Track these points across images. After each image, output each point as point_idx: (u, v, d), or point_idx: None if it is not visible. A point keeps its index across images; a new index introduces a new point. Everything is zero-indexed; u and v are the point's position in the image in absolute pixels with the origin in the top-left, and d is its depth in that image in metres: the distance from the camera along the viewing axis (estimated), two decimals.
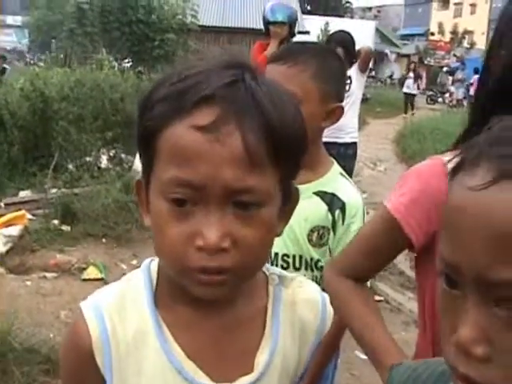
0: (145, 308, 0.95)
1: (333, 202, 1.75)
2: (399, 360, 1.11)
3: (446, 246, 0.64)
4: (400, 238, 1.33)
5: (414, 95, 22.95)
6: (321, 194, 1.76)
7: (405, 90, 22.87)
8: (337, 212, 1.75)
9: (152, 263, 1.01)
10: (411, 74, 23.42)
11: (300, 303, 1.04)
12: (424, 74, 31.08)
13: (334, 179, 1.79)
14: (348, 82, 5.28)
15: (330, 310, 1.09)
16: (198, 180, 0.80)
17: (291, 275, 1.08)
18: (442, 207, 0.67)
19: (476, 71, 24.28)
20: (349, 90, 5.34)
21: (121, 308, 0.96)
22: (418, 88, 24.60)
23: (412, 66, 25.37)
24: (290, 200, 0.93)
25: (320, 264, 1.78)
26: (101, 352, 0.93)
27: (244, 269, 0.85)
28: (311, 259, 1.78)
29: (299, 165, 0.92)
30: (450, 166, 1.26)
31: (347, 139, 5.40)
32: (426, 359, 0.94)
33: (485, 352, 0.60)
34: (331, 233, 1.77)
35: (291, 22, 4.97)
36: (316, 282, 1.77)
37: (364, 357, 4.32)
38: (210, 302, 0.91)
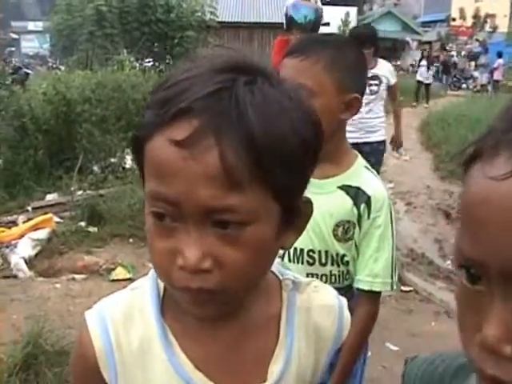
0: (151, 317, 0.91)
1: (358, 195, 1.73)
2: None
3: (466, 240, 0.60)
4: None
5: (428, 85, 21.23)
6: (345, 188, 1.74)
7: (418, 77, 21.45)
8: (362, 206, 1.73)
9: None
10: (424, 62, 21.87)
11: (316, 309, 1.00)
12: (441, 60, 29.67)
13: (358, 173, 1.77)
14: (376, 82, 5.21)
15: (347, 314, 1.04)
16: (173, 197, 0.76)
17: (306, 280, 1.03)
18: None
19: (499, 55, 24.01)
20: (377, 92, 5.25)
21: (126, 317, 0.92)
22: (435, 77, 23.65)
23: (425, 52, 24.19)
24: (295, 214, 0.85)
25: (346, 259, 1.77)
26: (105, 363, 0.91)
27: (230, 290, 0.80)
28: (337, 254, 1.76)
29: (306, 177, 0.85)
30: None
31: (378, 138, 5.33)
32: (441, 352, 0.91)
33: None
34: (356, 227, 1.75)
35: (316, 21, 4.64)
36: (343, 278, 1.78)
37: (394, 348, 4.31)
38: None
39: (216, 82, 0.76)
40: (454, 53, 33.67)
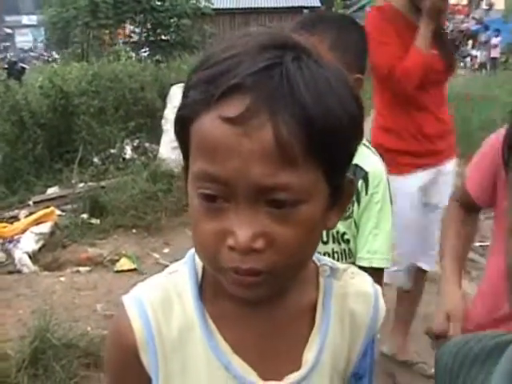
0: (190, 302, 0.90)
1: (355, 172, 1.71)
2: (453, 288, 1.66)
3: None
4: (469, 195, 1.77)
5: None
6: None
7: None
8: (360, 182, 1.73)
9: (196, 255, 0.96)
10: None
11: (352, 296, 0.98)
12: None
13: None
14: None
15: (382, 303, 1.02)
16: (226, 176, 0.74)
17: (343, 266, 1.01)
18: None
19: (497, 32, 23.87)
20: None
21: (165, 303, 0.91)
22: None
23: None
24: (342, 192, 0.85)
25: (346, 237, 1.77)
26: (146, 350, 0.89)
27: (281, 270, 0.79)
28: (337, 232, 1.75)
29: (352, 154, 0.83)
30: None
31: None
32: (476, 333, 0.89)
33: None
34: (355, 204, 1.74)
35: None
36: (345, 255, 1.78)
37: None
38: None
39: (265, 58, 0.74)
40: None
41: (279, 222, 0.76)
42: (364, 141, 1.80)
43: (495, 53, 23.92)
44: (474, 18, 38.90)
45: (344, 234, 1.76)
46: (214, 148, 0.74)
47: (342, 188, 0.84)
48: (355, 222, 1.76)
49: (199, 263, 0.93)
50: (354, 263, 1.77)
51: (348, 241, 1.77)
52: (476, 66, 26.17)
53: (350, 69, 1.66)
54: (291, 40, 0.79)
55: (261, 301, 0.87)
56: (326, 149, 0.76)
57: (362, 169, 1.73)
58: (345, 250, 1.78)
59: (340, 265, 1.01)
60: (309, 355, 0.92)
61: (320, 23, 1.71)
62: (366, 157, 1.77)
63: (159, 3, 20.44)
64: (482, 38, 26.94)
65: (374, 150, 1.85)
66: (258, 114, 0.72)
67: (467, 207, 1.86)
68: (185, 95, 0.80)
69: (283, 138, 0.72)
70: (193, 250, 0.95)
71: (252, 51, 0.76)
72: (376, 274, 1.75)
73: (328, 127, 0.75)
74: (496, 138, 1.64)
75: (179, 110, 0.81)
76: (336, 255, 1.77)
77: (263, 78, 0.73)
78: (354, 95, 0.82)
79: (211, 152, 0.75)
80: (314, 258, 0.96)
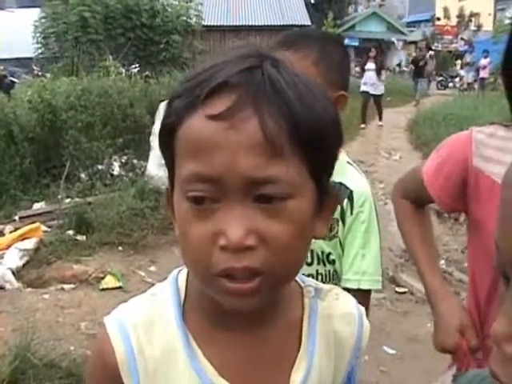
0: (173, 324, 0.89)
1: (340, 190, 1.69)
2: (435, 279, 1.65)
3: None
4: (429, 194, 1.63)
5: (378, 96, 15.48)
6: None
7: (363, 88, 15.20)
8: (345, 201, 1.71)
9: (180, 274, 0.95)
10: (371, 65, 15.21)
11: (337, 317, 0.98)
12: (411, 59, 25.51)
13: (341, 168, 1.71)
14: None
15: (366, 323, 1.02)
16: (215, 172, 0.75)
17: (327, 287, 1.01)
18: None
19: (486, 53, 24.07)
20: None
21: (147, 324, 0.90)
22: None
23: (372, 53, 15.55)
24: (327, 197, 0.86)
25: (332, 257, 1.74)
26: (127, 371, 0.88)
27: (277, 269, 0.78)
28: (322, 252, 1.73)
29: (334, 158, 0.85)
30: (475, 134, 1.51)
31: None
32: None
33: None
34: (340, 223, 1.72)
35: None
36: (329, 277, 1.75)
37: (392, 351, 4.26)
38: (242, 315, 0.85)
39: (246, 62, 0.78)
40: (434, 50, 32.92)
41: (269, 218, 0.77)
42: (349, 159, 1.80)
43: (484, 73, 24.10)
44: (462, 39, 39.33)
45: (329, 254, 1.73)
46: (202, 146, 0.75)
47: (327, 191, 0.86)
48: (340, 243, 1.73)
49: (182, 284, 0.93)
50: (338, 285, 1.73)
51: (333, 261, 1.74)
52: (465, 86, 26.36)
53: (334, 85, 1.67)
54: (267, 52, 0.83)
55: (247, 319, 0.87)
56: (310, 143, 0.77)
57: (346, 187, 1.70)
58: (329, 272, 1.74)
59: (324, 286, 1.01)
60: (296, 376, 0.91)
61: (302, 40, 1.70)
62: (351, 176, 1.74)
63: (150, 20, 20.48)
64: (468, 58, 27.15)
65: (358, 169, 1.83)
66: (244, 107, 0.74)
67: (418, 203, 1.78)
68: (169, 106, 0.82)
69: (269, 129, 0.74)
70: (176, 271, 0.95)
71: (232, 59, 0.79)
72: (363, 295, 1.71)
73: (311, 122, 0.77)
74: (458, 140, 1.59)
75: (164, 119, 0.82)
76: (320, 277, 1.73)
77: (246, 77, 0.76)
78: (331, 101, 0.86)
79: (200, 151, 0.76)
80: (297, 279, 0.95)
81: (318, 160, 0.80)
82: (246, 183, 0.75)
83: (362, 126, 15.17)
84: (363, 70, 15.76)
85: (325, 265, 1.74)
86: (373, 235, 1.74)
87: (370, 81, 15.22)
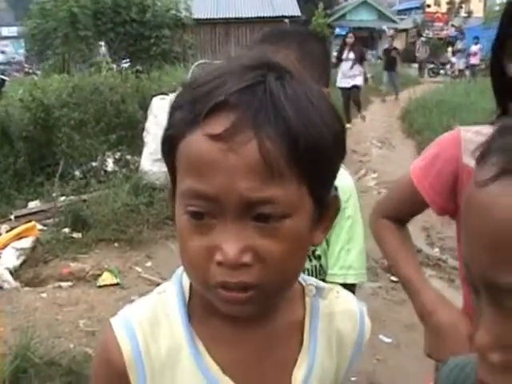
0: (178, 322, 0.91)
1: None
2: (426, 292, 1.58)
3: (462, 243, 0.61)
4: (418, 197, 1.61)
5: (357, 88, 13.43)
6: None
7: (340, 83, 13.21)
8: None
9: (184, 274, 0.96)
10: (351, 55, 13.31)
11: (337, 315, 1.00)
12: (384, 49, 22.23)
13: None
14: None
15: (367, 321, 1.04)
16: (213, 192, 0.76)
17: (328, 286, 1.03)
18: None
19: (476, 40, 24.09)
20: None
21: (153, 323, 0.91)
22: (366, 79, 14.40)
23: (350, 39, 13.59)
24: (327, 209, 0.88)
25: (317, 253, 1.75)
26: (134, 370, 0.90)
27: (270, 285, 0.80)
28: None
29: (335, 170, 0.87)
30: (463, 134, 1.54)
31: None
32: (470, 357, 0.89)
33: (502, 359, 0.56)
34: None
35: None
36: (315, 272, 1.76)
37: (388, 340, 4.29)
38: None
39: (249, 77, 0.77)
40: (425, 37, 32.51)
41: (265, 237, 0.78)
42: None
43: (475, 60, 24.12)
44: (453, 26, 39.25)
45: (315, 250, 1.74)
46: (201, 165, 0.76)
47: (326, 204, 0.87)
48: (326, 238, 1.74)
49: (186, 283, 0.94)
50: (324, 280, 1.76)
51: (319, 257, 1.75)
52: (456, 73, 26.37)
53: (318, 83, 1.66)
54: (272, 61, 0.82)
55: (250, 318, 0.88)
56: (310, 163, 0.78)
57: None
58: (315, 267, 1.75)
59: (325, 284, 1.02)
60: (298, 374, 0.92)
61: (284, 37, 1.69)
62: None
63: (139, 14, 20.42)
64: (459, 45, 27.15)
65: (343, 165, 1.84)
66: (243, 129, 0.75)
67: (400, 221, 1.72)
68: (171, 116, 0.82)
69: (268, 152, 0.74)
70: (180, 270, 0.97)
71: (236, 71, 0.79)
72: (349, 289, 1.73)
73: (311, 142, 0.77)
74: (446, 139, 1.61)
75: (166, 130, 0.83)
76: (307, 272, 1.74)
77: (247, 96, 0.76)
78: (335, 113, 0.85)
79: (198, 169, 0.77)
80: (299, 278, 0.96)
81: (318, 178, 0.81)
82: (243, 203, 0.76)
83: (348, 125, 12.38)
84: (340, 60, 13.48)
85: (310, 260, 1.75)
86: (357, 230, 1.75)
87: (348, 73, 13.21)
